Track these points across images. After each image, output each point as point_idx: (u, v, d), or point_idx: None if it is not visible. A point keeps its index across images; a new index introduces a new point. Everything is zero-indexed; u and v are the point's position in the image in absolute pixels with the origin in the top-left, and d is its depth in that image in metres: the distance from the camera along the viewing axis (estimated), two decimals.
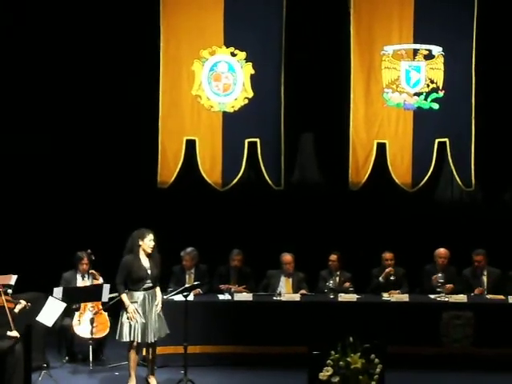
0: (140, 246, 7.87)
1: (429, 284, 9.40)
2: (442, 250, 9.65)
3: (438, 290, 9.19)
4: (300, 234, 10.36)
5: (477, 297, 9.33)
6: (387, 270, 9.59)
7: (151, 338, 7.82)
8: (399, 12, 10.13)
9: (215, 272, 9.65)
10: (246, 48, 10.06)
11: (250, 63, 10.08)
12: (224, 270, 9.66)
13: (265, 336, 8.79)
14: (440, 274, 9.28)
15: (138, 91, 10.15)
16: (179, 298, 8.17)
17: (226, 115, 10.11)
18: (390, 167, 10.18)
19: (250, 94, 10.11)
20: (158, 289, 7.98)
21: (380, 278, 9.60)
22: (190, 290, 8.19)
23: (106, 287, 8.68)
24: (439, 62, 10.15)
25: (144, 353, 8.16)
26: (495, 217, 10.42)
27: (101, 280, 8.95)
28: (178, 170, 10.06)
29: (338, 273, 9.72)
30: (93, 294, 8.74)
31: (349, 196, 10.35)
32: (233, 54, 10.09)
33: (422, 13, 10.07)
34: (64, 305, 8.13)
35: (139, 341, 7.83)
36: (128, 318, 7.77)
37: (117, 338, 7.85)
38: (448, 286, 9.27)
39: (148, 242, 7.86)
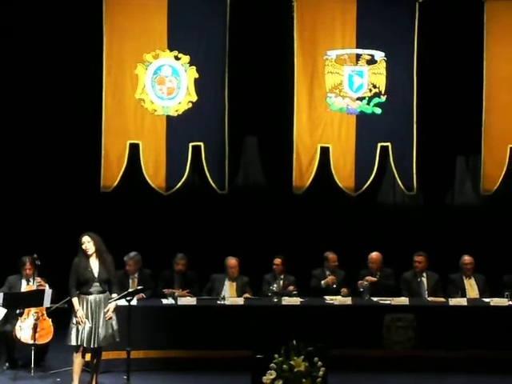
0: (83, 248, 7.83)
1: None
2: (373, 255, 9.77)
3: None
4: (244, 237, 10.37)
5: (418, 299, 9.44)
6: (329, 278, 9.65)
7: (97, 343, 7.76)
8: (342, 17, 10.22)
9: (159, 276, 9.62)
10: (190, 52, 10.06)
11: (194, 67, 10.07)
12: (168, 274, 9.63)
13: (209, 340, 8.76)
14: (366, 282, 9.41)
15: (81, 95, 10.09)
16: (122, 302, 8.10)
17: (169, 119, 10.09)
18: (333, 171, 10.27)
19: (194, 98, 10.10)
20: (114, 294, 7.87)
21: (322, 282, 9.66)
22: (133, 294, 8.12)
23: (48, 293, 8.58)
24: (381, 67, 10.26)
25: (88, 358, 8.08)
26: (436, 220, 10.55)
27: (47, 287, 8.82)
28: (121, 173, 10.00)
29: (282, 276, 9.75)
30: (34, 299, 8.61)
31: (292, 200, 10.39)
32: (176, 58, 10.07)
33: (364, 18, 10.19)
34: (4, 310, 8.01)
35: (85, 345, 7.76)
36: (76, 322, 7.70)
37: (66, 341, 7.79)
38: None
39: (83, 245, 7.76)
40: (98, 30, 9.85)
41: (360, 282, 9.50)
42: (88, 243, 7.77)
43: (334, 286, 9.60)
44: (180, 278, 9.60)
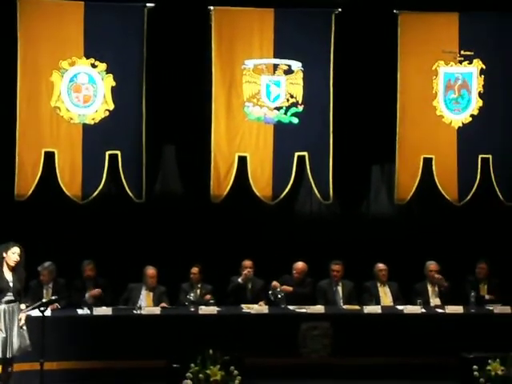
0: (4, 258, 7.74)
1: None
2: (299, 264, 9.89)
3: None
4: (161, 246, 10.31)
5: (333, 307, 9.55)
6: (245, 272, 9.69)
7: (11, 353, 7.62)
8: (260, 27, 10.26)
9: (71, 286, 9.51)
10: (107, 59, 9.95)
11: (111, 75, 9.98)
12: (79, 282, 9.54)
13: (125, 350, 8.71)
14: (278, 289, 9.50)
15: None
16: (36, 313, 7.99)
17: (86, 127, 9.96)
18: (250, 180, 10.29)
19: (111, 106, 10.01)
20: (22, 305, 7.84)
21: (239, 280, 9.69)
22: (47, 304, 8.03)
23: None
24: (298, 77, 10.34)
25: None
26: (352, 229, 10.67)
27: None
28: (36, 182, 9.83)
29: (199, 285, 9.76)
30: None
31: (210, 208, 10.37)
32: (93, 66, 9.97)
33: (282, 28, 10.23)
34: None
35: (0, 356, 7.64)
36: None
37: None
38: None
39: (11, 255, 7.74)
40: (11, 34, 9.67)
41: (274, 283, 9.53)
42: (17, 255, 7.72)
43: (250, 285, 9.61)
44: (91, 285, 9.51)
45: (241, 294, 9.76)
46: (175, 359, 8.18)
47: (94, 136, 9.98)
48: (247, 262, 9.87)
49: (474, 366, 8.42)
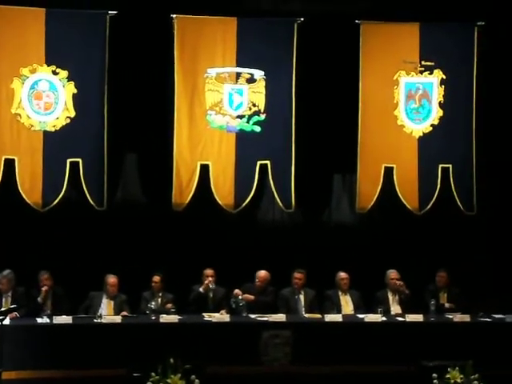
0: None
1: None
2: (262, 273, 9.89)
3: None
4: (123, 255, 10.26)
5: (295, 316, 9.56)
6: (206, 282, 9.67)
7: None
8: (222, 35, 10.29)
9: (30, 294, 9.44)
10: (68, 67, 9.91)
11: (72, 82, 9.94)
12: (36, 292, 9.45)
13: (85, 359, 8.62)
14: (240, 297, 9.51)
15: None
16: None
17: (47, 134, 9.91)
18: (212, 188, 10.29)
19: (72, 114, 9.96)
20: None
21: (200, 289, 9.67)
22: (5, 313, 7.94)
23: None
24: (261, 86, 10.37)
25: None
26: (313, 237, 10.71)
27: None
28: None
29: (161, 294, 9.73)
30: None
31: (172, 216, 10.35)
32: (54, 73, 9.92)
33: (244, 37, 10.28)
34: None
35: None
36: None
37: None
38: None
39: None
40: None
41: (236, 291, 9.54)
42: None
43: (211, 294, 9.59)
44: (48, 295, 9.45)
45: (202, 302, 9.73)
46: (136, 368, 8.15)
47: (55, 143, 9.93)
48: (209, 271, 9.85)
49: (434, 374, 8.48)
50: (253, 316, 9.34)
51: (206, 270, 9.86)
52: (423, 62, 10.58)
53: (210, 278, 9.76)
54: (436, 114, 10.64)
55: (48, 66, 9.89)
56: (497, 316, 9.57)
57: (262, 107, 10.38)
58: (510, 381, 8.65)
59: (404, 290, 9.89)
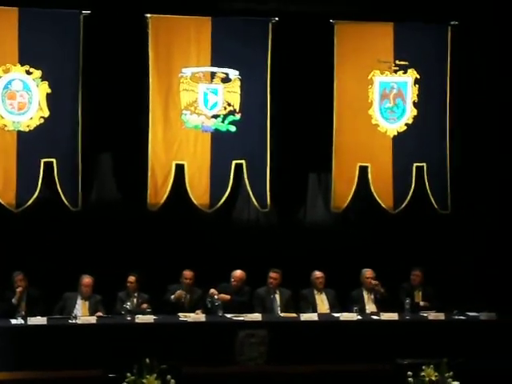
0: None
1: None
2: (237, 273, 9.89)
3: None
4: (98, 255, 10.21)
5: (270, 315, 9.57)
6: (178, 292, 9.63)
7: None
8: (197, 35, 10.26)
9: (3, 296, 9.39)
10: (42, 66, 9.84)
11: (46, 82, 9.87)
12: (10, 293, 9.40)
13: (60, 360, 8.59)
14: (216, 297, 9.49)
15: None
16: None
17: (20, 134, 9.83)
18: (188, 188, 10.27)
19: (46, 114, 9.90)
20: None
21: (171, 297, 9.64)
22: None
23: None
24: (236, 86, 10.37)
25: None
26: (289, 237, 10.73)
27: None
28: None
29: (136, 294, 9.70)
30: None
31: (147, 216, 10.32)
32: (28, 73, 9.85)
33: (219, 37, 10.25)
34: None
35: None
36: None
37: None
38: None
39: None
40: None
41: (211, 291, 9.53)
42: None
43: (183, 301, 9.56)
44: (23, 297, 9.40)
45: (179, 303, 9.71)
46: (111, 368, 8.12)
47: (29, 143, 9.87)
48: (187, 273, 9.82)
49: (409, 372, 8.50)
50: (228, 316, 9.35)
51: (184, 271, 9.83)
52: (397, 62, 10.62)
53: (189, 281, 9.73)
54: (410, 113, 10.69)
55: (21, 65, 9.82)
56: (471, 314, 9.64)
57: (237, 107, 10.37)
58: (484, 378, 8.71)
59: (379, 289, 9.93)
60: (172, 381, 8.15)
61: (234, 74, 10.36)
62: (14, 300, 9.31)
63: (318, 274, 10.00)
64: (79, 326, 8.88)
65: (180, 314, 9.33)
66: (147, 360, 8.11)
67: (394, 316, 9.44)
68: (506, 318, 9.50)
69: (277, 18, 10.29)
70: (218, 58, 10.30)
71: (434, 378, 8.54)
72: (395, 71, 10.64)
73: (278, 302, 9.82)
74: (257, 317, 9.27)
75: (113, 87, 10.13)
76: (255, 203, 10.46)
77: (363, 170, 10.55)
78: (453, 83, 10.63)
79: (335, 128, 10.47)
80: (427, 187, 10.59)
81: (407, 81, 10.68)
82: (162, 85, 10.25)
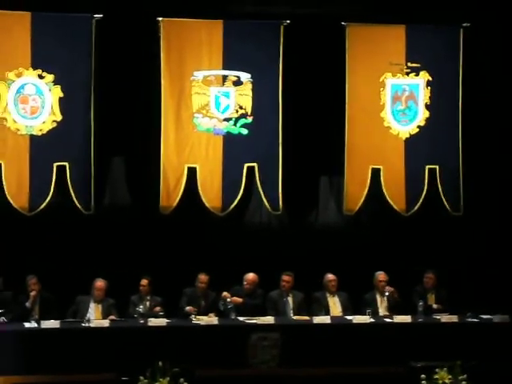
0: None
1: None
2: (250, 276, 9.89)
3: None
4: (111, 258, 10.24)
5: (283, 318, 9.56)
6: (189, 308, 9.56)
7: None
8: (208, 38, 10.28)
9: (17, 299, 9.41)
10: (55, 70, 9.89)
11: (59, 86, 9.91)
12: (24, 297, 9.41)
13: (73, 364, 8.62)
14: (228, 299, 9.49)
15: None
16: None
17: (33, 138, 9.88)
18: (200, 191, 10.28)
19: (59, 118, 9.94)
20: None
21: (186, 308, 9.57)
22: None
23: None
24: (247, 89, 10.37)
25: None
26: (301, 239, 10.72)
27: None
28: None
29: (149, 297, 9.71)
30: None
31: (160, 220, 10.33)
32: (40, 77, 9.89)
33: (230, 40, 10.26)
34: None
35: None
36: None
37: None
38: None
39: None
40: None
41: (224, 294, 9.52)
42: None
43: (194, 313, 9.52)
44: (37, 301, 9.41)
45: (194, 307, 9.69)
46: (124, 372, 8.14)
47: (42, 147, 9.91)
48: (203, 277, 9.81)
49: (422, 375, 8.49)
50: (241, 319, 9.35)
51: (200, 275, 9.83)
52: (409, 64, 10.60)
53: (203, 285, 9.74)
54: (422, 115, 10.66)
55: (34, 69, 9.87)
56: (484, 316, 9.60)
57: (248, 110, 10.38)
58: (497, 381, 8.68)
59: (395, 297, 9.88)
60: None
61: (245, 77, 10.37)
62: (27, 304, 9.34)
63: (330, 276, 9.99)
64: (92, 329, 8.90)
65: (193, 317, 9.32)
66: (160, 363, 8.12)
67: (407, 319, 9.42)
68: None
69: (288, 21, 10.29)
70: (230, 61, 10.31)
71: (447, 381, 8.52)
72: (407, 73, 10.62)
73: (291, 305, 9.82)
74: (269, 320, 9.27)
75: (125, 91, 10.16)
76: (267, 206, 10.46)
77: (375, 173, 10.53)
78: (465, 85, 10.60)
79: (347, 130, 10.46)
80: (440, 189, 10.56)
81: (419, 83, 10.66)
82: (173, 88, 10.26)
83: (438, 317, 9.57)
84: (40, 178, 9.88)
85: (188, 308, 9.50)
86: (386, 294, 9.80)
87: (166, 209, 10.24)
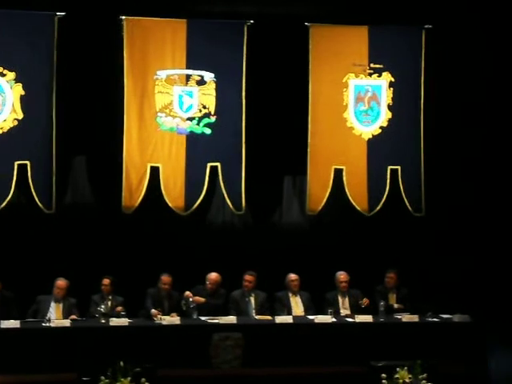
0: None
1: None
2: (212, 275, 9.86)
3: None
4: (72, 257, 10.18)
5: (245, 318, 9.58)
6: (154, 312, 9.45)
7: None
8: (172, 37, 10.26)
9: None
10: (16, 68, 9.81)
11: (20, 84, 9.83)
12: None
13: (33, 364, 8.57)
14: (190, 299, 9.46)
15: None
16: None
17: None
18: (163, 191, 10.26)
19: (20, 116, 9.86)
20: None
21: (151, 311, 9.50)
22: None
23: None
24: (211, 88, 10.37)
25: None
26: (264, 239, 10.73)
27: None
28: None
29: (110, 297, 9.66)
30: None
31: (122, 219, 10.29)
32: (2, 75, 9.81)
33: (194, 39, 10.27)
34: None
35: None
36: None
37: None
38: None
39: None
40: None
41: (186, 293, 9.50)
42: None
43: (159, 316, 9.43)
44: None
45: (158, 307, 9.64)
46: (85, 372, 8.06)
47: (3, 145, 9.83)
48: (165, 278, 9.73)
49: (383, 375, 8.49)
50: (203, 318, 9.34)
51: (162, 276, 9.76)
52: (372, 65, 10.67)
53: (167, 286, 9.70)
54: (385, 116, 10.74)
55: None
56: (444, 316, 9.69)
57: (212, 109, 10.38)
58: (457, 380, 8.76)
59: (368, 306, 9.91)
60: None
61: (209, 76, 10.36)
62: None
63: (292, 276, 10.01)
64: (53, 329, 8.84)
65: (154, 317, 9.28)
66: (121, 363, 8.07)
67: (368, 318, 9.48)
68: (479, 320, 9.56)
69: (252, 21, 10.31)
70: (193, 60, 10.31)
71: (407, 380, 8.55)
72: (370, 74, 10.69)
73: (253, 305, 9.83)
74: (232, 319, 9.28)
75: (87, 89, 10.12)
76: (230, 206, 10.46)
77: (338, 173, 10.59)
78: (427, 86, 10.69)
79: (310, 131, 10.50)
80: (401, 190, 10.64)
81: (382, 84, 10.73)
82: (136, 87, 10.23)
83: (399, 316, 9.64)
84: (1, 177, 9.79)
85: (153, 311, 9.42)
86: (362, 306, 9.82)
87: (129, 208, 10.20)
